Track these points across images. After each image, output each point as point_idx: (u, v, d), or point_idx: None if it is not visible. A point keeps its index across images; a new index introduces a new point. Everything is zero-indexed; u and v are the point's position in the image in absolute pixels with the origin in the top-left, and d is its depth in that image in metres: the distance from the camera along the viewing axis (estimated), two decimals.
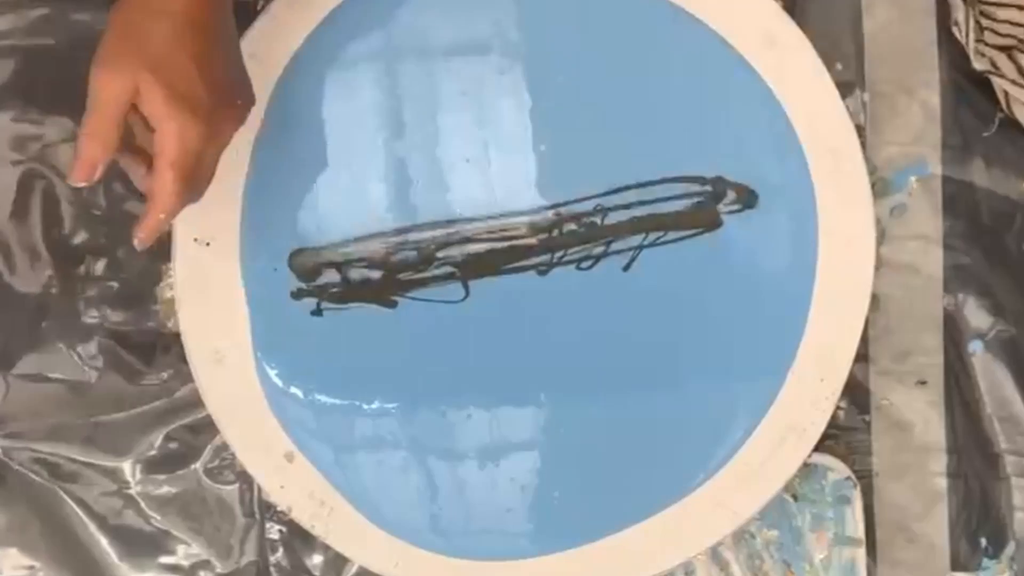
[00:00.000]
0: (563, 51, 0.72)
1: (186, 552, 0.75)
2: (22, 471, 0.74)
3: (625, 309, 0.72)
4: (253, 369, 0.72)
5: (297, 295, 0.72)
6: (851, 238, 0.72)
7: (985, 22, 0.74)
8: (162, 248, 0.73)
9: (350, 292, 0.72)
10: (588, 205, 0.72)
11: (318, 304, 0.72)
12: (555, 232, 0.71)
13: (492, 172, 0.72)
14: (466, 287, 0.72)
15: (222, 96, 0.58)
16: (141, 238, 0.59)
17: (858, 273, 0.72)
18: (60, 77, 0.73)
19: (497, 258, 0.71)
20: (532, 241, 0.72)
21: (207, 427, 0.73)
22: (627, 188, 0.71)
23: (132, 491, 0.74)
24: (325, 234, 0.72)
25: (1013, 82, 0.74)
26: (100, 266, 0.74)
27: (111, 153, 0.56)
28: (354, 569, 0.75)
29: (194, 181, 0.58)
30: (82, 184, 0.57)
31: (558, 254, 0.71)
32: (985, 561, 0.76)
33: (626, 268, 0.72)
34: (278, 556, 0.75)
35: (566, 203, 0.72)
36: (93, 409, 0.74)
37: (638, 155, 0.71)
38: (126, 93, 0.56)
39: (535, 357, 0.72)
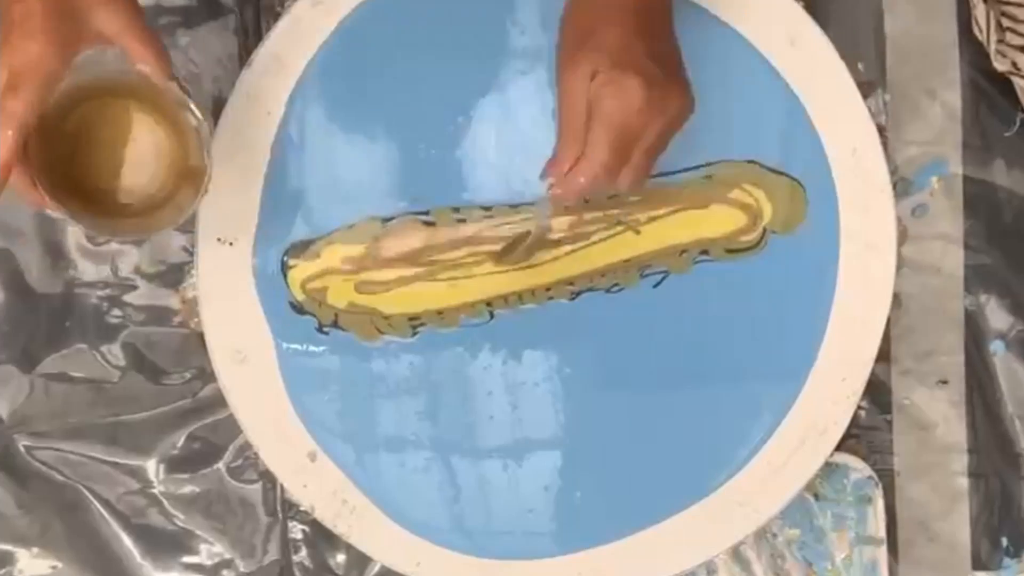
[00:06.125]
0: None
1: (209, 551, 0.75)
2: (45, 470, 0.74)
3: (648, 312, 0.72)
4: (276, 368, 0.72)
5: (299, 310, 0.72)
6: (872, 238, 0.72)
7: (1006, 22, 0.74)
8: (185, 247, 0.74)
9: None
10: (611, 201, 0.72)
11: (319, 324, 0.72)
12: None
13: (515, 173, 0.72)
14: (491, 313, 0.72)
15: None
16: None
17: (879, 273, 0.73)
18: None
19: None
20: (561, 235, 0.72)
21: (230, 426, 0.73)
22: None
23: (155, 490, 0.75)
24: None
25: None
26: (123, 265, 0.74)
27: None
28: (377, 568, 0.75)
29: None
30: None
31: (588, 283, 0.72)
32: (1006, 560, 0.76)
33: (656, 285, 0.72)
34: (301, 555, 0.75)
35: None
36: (116, 408, 0.74)
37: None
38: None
39: (558, 358, 0.72)
